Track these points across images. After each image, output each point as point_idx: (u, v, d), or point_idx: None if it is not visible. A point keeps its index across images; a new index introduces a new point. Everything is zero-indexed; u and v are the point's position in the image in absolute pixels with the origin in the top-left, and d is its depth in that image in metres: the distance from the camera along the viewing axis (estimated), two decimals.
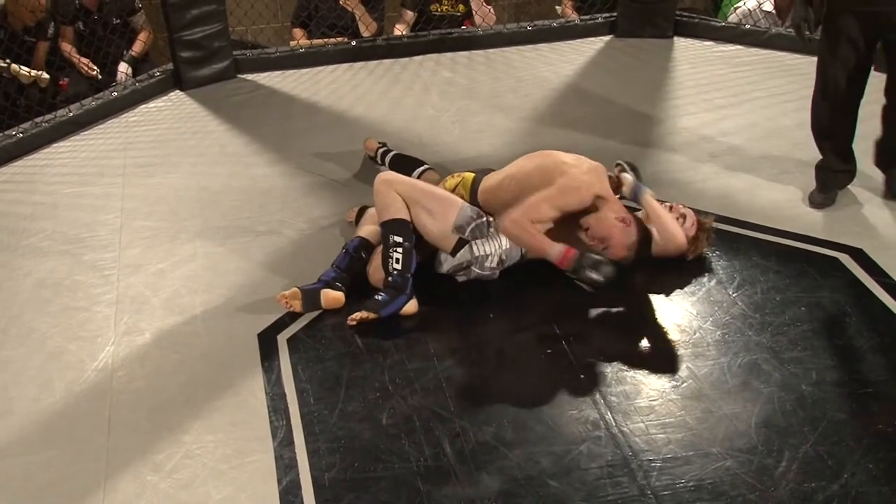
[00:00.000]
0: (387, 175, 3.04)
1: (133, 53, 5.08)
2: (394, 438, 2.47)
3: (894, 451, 2.38)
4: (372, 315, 2.87)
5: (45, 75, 4.69)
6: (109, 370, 2.74)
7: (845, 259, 3.15)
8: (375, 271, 3.03)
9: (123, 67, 5.03)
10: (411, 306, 2.92)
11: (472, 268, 2.99)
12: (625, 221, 2.93)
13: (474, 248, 2.96)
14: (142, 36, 5.13)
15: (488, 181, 3.08)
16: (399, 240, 2.92)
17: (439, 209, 2.95)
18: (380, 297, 2.90)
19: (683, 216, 3.09)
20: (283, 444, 2.45)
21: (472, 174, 3.13)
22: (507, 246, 3.00)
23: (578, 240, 2.96)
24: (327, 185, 3.72)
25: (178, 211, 3.56)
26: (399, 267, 2.90)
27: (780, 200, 3.52)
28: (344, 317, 2.92)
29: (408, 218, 2.94)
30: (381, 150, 3.70)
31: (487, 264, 2.99)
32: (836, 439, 2.42)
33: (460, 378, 2.68)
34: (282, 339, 2.85)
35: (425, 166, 3.47)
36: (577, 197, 2.91)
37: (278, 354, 2.78)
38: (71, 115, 4.24)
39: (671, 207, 3.12)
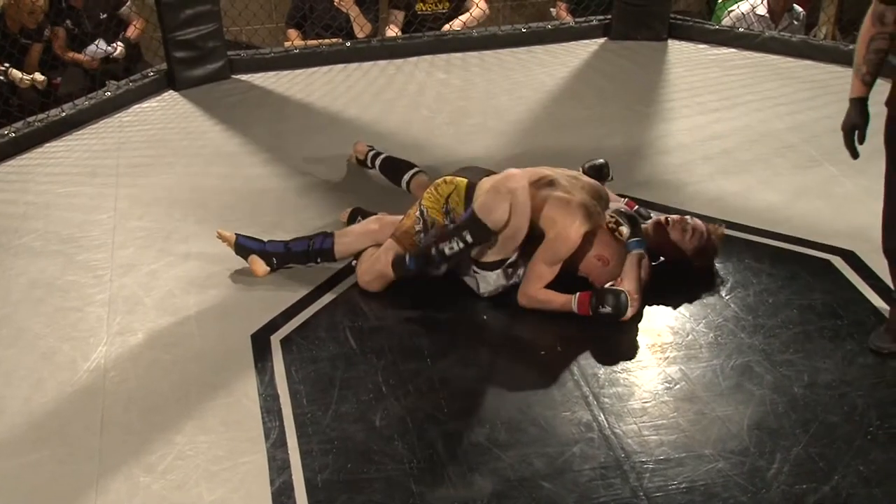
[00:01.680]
0: (515, 180, 2.84)
1: (127, 35, 5.06)
2: (387, 440, 2.47)
3: (885, 454, 2.39)
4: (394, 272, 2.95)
5: (41, 77, 4.66)
6: (102, 370, 2.73)
7: (837, 262, 3.16)
8: (364, 273, 3.05)
9: (119, 47, 4.99)
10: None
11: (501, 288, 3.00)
12: (602, 261, 2.92)
13: (508, 272, 2.96)
14: (135, 23, 5.11)
15: (480, 190, 2.98)
16: (469, 240, 2.84)
17: (510, 237, 2.88)
18: (409, 264, 2.91)
19: (694, 230, 3.01)
20: (276, 446, 2.45)
21: (465, 180, 3.01)
22: (521, 278, 2.99)
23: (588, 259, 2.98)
24: (321, 185, 3.72)
25: (171, 211, 3.55)
26: (448, 254, 2.86)
27: (773, 203, 3.53)
28: (338, 317, 2.93)
29: (496, 231, 2.84)
30: (371, 153, 3.68)
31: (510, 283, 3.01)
32: (828, 441, 2.43)
33: (454, 379, 2.68)
34: (275, 340, 2.85)
35: (416, 169, 3.47)
36: (568, 246, 2.87)
37: (271, 355, 2.78)
38: (64, 114, 4.23)
39: (678, 220, 3.03)
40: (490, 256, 2.93)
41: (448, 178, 3.05)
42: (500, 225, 2.83)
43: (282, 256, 3.12)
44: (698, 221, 3.06)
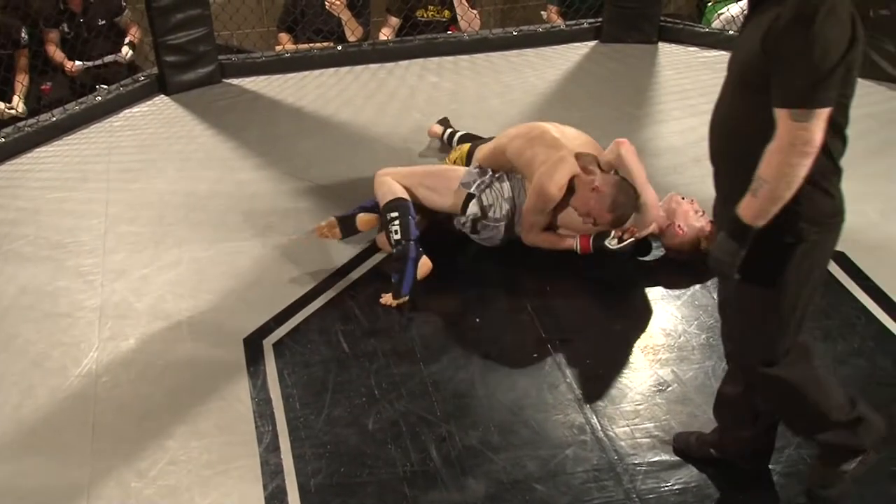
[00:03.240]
0: (382, 171, 3.21)
1: (131, 39, 5.02)
2: (380, 443, 2.46)
3: (875, 454, 2.39)
4: (398, 301, 2.99)
5: (22, 108, 4.60)
6: (93, 376, 2.72)
7: None
8: (385, 239, 3.19)
9: (125, 51, 4.94)
10: (424, 268, 3.06)
11: (485, 220, 3.11)
12: (596, 189, 2.99)
13: (483, 198, 3.09)
14: (133, 30, 5.08)
15: (480, 151, 3.30)
16: (394, 214, 3.07)
17: (441, 182, 3.14)
18: (393, 279, 3.03)
19: (704, 210, 3.13)
20: (269, 450, 2.45)
21: (468, 145, 3.42)
22: (509, 194, 3.12)
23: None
24: (314, 189, 3.71)
25: (163, 216, 3.54)
26: (398, 237, 3.06)
27: None
28: (330, 321, 2.93)
29: (403, 195, 3.09)
30: (447, 133, 3.87)
31: (494, 214, 3.10)
32: None
33: (446, 382, 2.68)
34: (267, 344, 2.84)
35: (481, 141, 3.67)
36: (549, 196, 3.03)
37: (264, 359, 2.78)
38: (54, 119, 4.21)
39: (692, 201, 3.17)
40: (457, 205, 3.11)
41: (457, 147, 3.51)
42: (399, 193, 3.09)
43: (376, 206, 3.24)
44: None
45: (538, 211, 3.07)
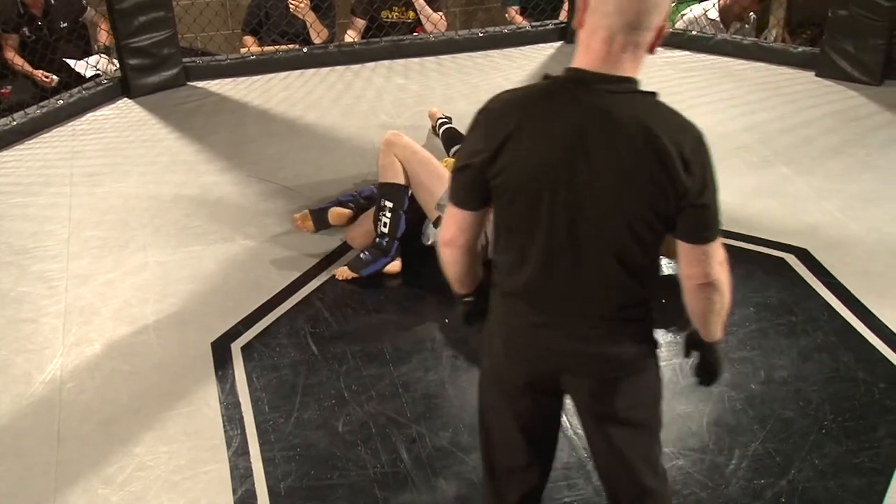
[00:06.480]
0: (391, 136, 3.13)
1: (105, 43, 4.94)
2: (350, 446, 2.46)
3: (839, 447, 2.44)
4: (353, 274, 3.07)
5: None
6: (58, 382, 2.69)
7: (791, 259, 3.22)
8: (350, 230, 3.22)
9: (101, 61, 4.84)
10: (394, 266, 3.12)
11: None
12: None
13: None
14: (104, 26, 4.99)
15: None
16: (390, 205, 3.08)
17: (429, 182, 3.10)
18: (363, 257, 3.09)
19: None
20: (238, 454, 2.43)
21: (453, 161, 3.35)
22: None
23: None
24: (280, 192, 3.70)
25: (127, 220, 3.51)
26: (385, 231, 3.08)
27: (728, 202, 3.53)
28: (299, 323, 2.91)
29: (403, 183, 3.09)
30: (439, 121, 3.92)
31: None
32: (784, 436, 2.47)
33: (416, 384, 2.69)
34: (236, 347, 2.82)
35: None
36: None
37: (232, 363, 2.76)
38: (14, 123, 4.16)
39: None
40: (431, 215, 3.11)
41: (447, 159, 3.45)
42: (400, 178, 3.06)
43: (352, 200, 3.31)
44: None
45: None
